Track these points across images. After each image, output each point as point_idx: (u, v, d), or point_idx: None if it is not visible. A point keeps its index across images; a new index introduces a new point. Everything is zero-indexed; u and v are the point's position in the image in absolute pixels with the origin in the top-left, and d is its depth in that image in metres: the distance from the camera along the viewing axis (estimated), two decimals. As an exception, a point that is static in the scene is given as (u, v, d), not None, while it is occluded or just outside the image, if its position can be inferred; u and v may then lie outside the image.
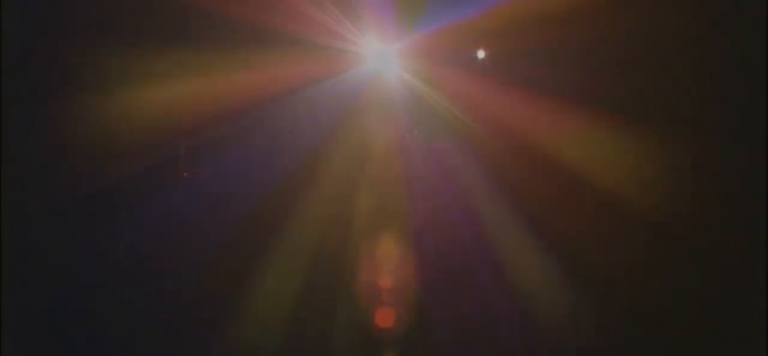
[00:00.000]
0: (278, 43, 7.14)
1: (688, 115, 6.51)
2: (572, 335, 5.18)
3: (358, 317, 5.43)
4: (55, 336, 4.80)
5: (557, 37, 7.18)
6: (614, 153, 6.55)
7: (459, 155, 8.21)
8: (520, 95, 7.58)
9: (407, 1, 8.06)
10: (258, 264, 6.45)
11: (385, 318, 5.38)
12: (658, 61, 6.88)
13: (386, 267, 6.14)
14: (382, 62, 8.48)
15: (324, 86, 7.83)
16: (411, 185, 7.76)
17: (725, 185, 6.09)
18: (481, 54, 8.41)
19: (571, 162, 6.64)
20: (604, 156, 6.53)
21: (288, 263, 6.38)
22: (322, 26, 7.58)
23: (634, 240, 6.40)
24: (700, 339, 4.84)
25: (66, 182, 5.95)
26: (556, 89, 7.27)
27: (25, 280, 5.27)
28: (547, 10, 7.13)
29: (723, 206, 6.06)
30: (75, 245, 5.72)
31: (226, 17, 6.78)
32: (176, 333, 5.01)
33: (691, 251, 5.73)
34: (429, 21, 7.88)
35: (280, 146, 7.26)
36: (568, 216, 6.59)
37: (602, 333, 5.16)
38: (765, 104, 5.77)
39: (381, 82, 8.60)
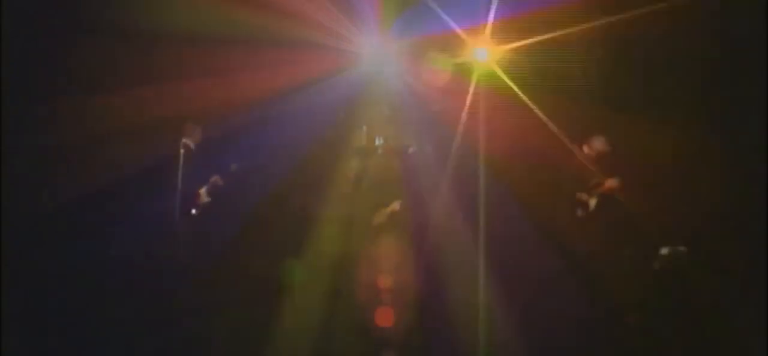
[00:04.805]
0: (278, 43, 7.14)
1: (689, 114, 6.52)
2: (572, 334, 5.18)
3: (358, 316, 5.43)
4: (54, 336, 4.80)
5: (557, 37, 7.18)
6: (616, 152, 6.56)
7: (458, 155, 8.20)
8: (520, 93, 7.57)
9: (405, 2, 8.06)
10: (258, 263, 6.45)
11: (385, 318, 5.38)
12: (659, 61, 6.88)
13: (386, 266, 6.14)
14: (381, 62, 8.48)
15: (324, 86, 7.83)
16: (410, 185, 7.76)
17: (725, 185, 6.09)
18: (481, 54, 8.41)
19: (572, 161, 6.64)
20: (605, 155, 6.53)
21: (288, 262, 6.39)
22: (322, 26, 7.58)
23: (635, 239, 6.41)
24: (700, 338, 4.84)
25: (66, 182, 5.95)
26: (555, 88, 7.27)
27: (25, 280, 5.27)
28: (547, 10, 7.13)
29: (723, 206, 6.06)
30: (74, 246, 5.72)
31: (226, 17, 6.78)
32: (175, 332, 5.00)
33: (691, 251, 5.73)
34: (429, 22, 7.88)
35: (280, 145, 7.26)
36: (569, 215, 6.59)
37: (603, 332, 5.16)
38: (765, 103, 5.77)
39: (381, 82, 8.59)
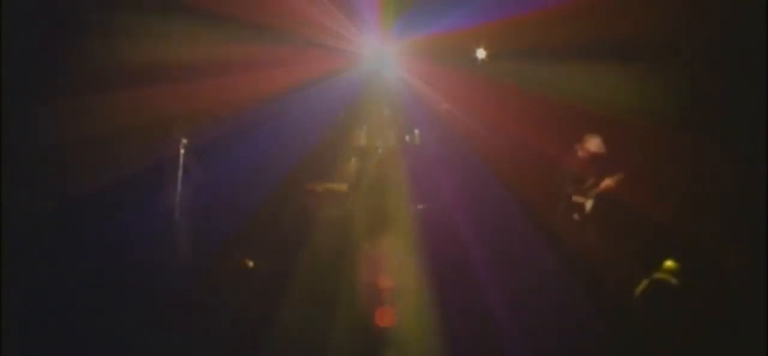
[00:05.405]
0: (279, 43, 7.14)
1: (689, 114, 6.52)
2: (572, 333, 5.18)
3: (357, 316, 5.42)
4: (54, 336, 4.80)
5: (557, 38, 7.18)
6: (614, 151, 6.56)
7: (458, 155, 8.21)
8: (519, 94, 7.58)
9: (405, 2, 8.07)
10: (258, 263, 6.46)
11: (385, 318, 5.38)
12: (658, 61, 6.88)
13: (386, 266, 6.14)
14: (381, 62, 8.50)
15: (324, 86, 7.84)
16: (411, 185, 7.76)
17: (725, 185, 6.09)
18: (481, 54, 8.42)
19: (571, 162, 6.63)
20: (603, 156, 6.53)
21: (288, 263, 6.39)
22: (323, 26, 7.59)
23: (634, 238, 6.41)
24: (699, 338, 4.84)
25: (66, 182, 5.95)
26: (555, 88, 7.27)
27: (25, 280, 5.27)
28: (546, 11, 7.14)
29: (723, 206, 6.07)
30: (74, 245, 5.71)
31: (227, 18, 6.78)
32: (175, 332, 5.00)
33: (691, 250, 5.74)
34: (429, 22, 7.89)
35: (280, 145, 7.26)
36: (569, 215, 6.59)
37: (602, 331, 5.16)
38: (765, 103, 5.77)
39: (381, 82, 8.60)
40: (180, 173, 6.09)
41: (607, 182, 6.40)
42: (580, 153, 6.57)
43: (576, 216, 6.54)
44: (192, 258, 6.23)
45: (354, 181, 7.89)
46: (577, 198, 6.55)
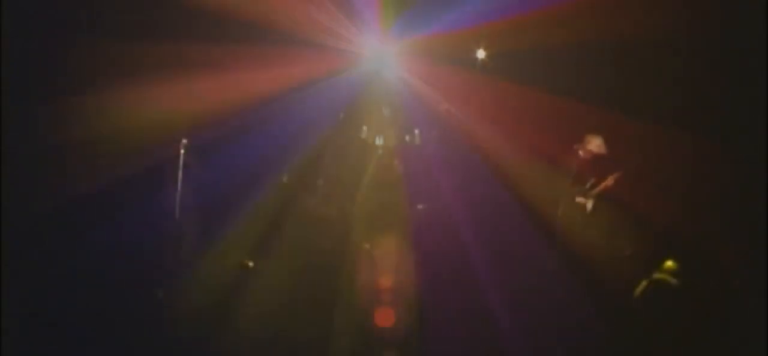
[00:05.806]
0: (279, 43, 7.14)
1: (689, 114, 6.52)
2: (571, 333, 5.19)
3: (357, 316, 5.43)
4: (54, 335, 4.80)
5: (557, 38, 7.18)
6: (615, 152, 6.56)
7: (458, 155, 8.21)
8: (519, 94, 7.58)
9: (405, 2, 8.07)
10: (258, 263, 6.45)
11: (385, 318, 5.38)
12: (658, 61, 6.88)
13: (386, 266, 6.14)
14: (381, 62, 8.50)
15: (324, 86, 7.84)
16: (411, 184, 7.76)
17: (725, 185, 6.09)
18: (481, 54, 8.42)
19: (571, 161, 6.63)
20: (604, 156, 6.53)
21: (288, 263, 6.39)
22: (323, 26, 7.59)
23: (634, 238, 6.41)
24: (699, 338, 4.85)
25: (66, 182, 5.94)
26: (555, 88, 7.27)
27: (25, 280, 5.27)
28: (546, 11, 7.14)
29: (723, 206, 6.06)
30: (74, 245, 5.71)
31: (227, 17, 6.78)
32: (175, 333, 5.00)
33: (691, 250, 5.73)
34: (429, 22, 7.89)
35: (280, 145, 7.26)
36: (569, 215, 6.59)
37: (602, 331, 5.16)
38: (765, 103, 5.77)
39: (381, 82, 8.60)
40: (180, 172, 6.08)
41: (608, 183, 6.40)
42: (580, 153, 6.56)
43: (576, 216, 6.53)
44: (192, 258, 6.22)
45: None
46: (577, 198, 6.55)
